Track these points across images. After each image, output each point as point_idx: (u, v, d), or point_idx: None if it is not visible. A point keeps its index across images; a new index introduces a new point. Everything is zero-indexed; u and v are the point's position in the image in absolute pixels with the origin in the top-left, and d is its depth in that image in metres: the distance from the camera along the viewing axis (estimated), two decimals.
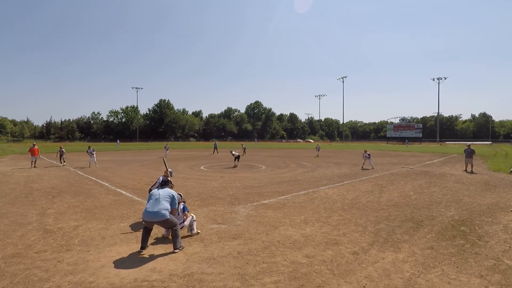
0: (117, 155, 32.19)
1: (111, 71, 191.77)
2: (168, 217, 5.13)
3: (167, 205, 5.20)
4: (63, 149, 21.03)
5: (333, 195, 10.11)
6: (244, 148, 30.77)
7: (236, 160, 20.24)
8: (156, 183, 6.46)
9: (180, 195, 6.08)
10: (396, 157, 28.83)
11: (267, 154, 34.03)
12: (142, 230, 5.31)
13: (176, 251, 5.08)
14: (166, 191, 5.41)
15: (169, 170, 7.21)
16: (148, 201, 5.27)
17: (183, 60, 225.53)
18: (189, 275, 4.22)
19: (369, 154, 18.84)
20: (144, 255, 4.93)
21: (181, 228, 5.79)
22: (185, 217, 5.91)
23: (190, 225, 6.02)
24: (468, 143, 24.28)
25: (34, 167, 18.51)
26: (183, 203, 6.05)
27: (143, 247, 5.14)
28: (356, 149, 46.88)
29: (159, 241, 5.64)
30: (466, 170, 17.03)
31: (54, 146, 55.51)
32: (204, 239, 5.71)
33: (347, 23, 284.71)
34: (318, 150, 31.38)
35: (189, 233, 5.97)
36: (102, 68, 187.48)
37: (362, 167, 18.63)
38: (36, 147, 19.62)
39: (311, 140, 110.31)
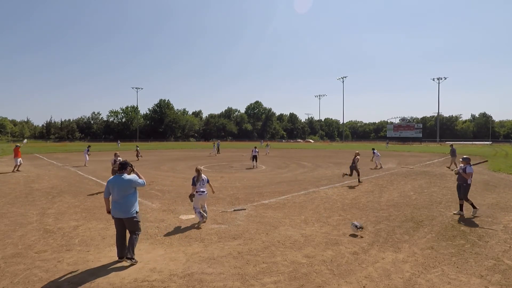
0: None
1: (111, 71, 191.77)
2: (135, 215, 4.62)
3: (133, 200, 4.66)
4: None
5: (333, 195, 10.11)
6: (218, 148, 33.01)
7: (254, 160, 19.39)
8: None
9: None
10: (396, 157, 28.81)
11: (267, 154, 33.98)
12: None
13: (127, 261, 4.49)
14: (124, 182, 4.60)
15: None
16: (111, 195, 4.65)
17: (183, 60, 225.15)
18: (189, 275, 4.22)
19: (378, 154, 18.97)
20: (143, 255, 4.91)
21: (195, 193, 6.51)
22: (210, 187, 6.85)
23: (204, 212, 6.67)
24: (450, 142, 25.47)
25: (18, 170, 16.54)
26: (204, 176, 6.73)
27: (121, 256, 4.61)
28: (356, 149, 46.82)
29: (159, 241, 5.64)
30: (449, 167, 17.85)
31: (54, 146, 55.52)
32: (204, 239, 5.71)
33: (347, 23, 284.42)
34: (263, 145, 32.70)
35: (202, 220, 6.56)
36: (102, 68, 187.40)
37: (376, 166, 18.62)
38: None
39: (311, 140, 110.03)
